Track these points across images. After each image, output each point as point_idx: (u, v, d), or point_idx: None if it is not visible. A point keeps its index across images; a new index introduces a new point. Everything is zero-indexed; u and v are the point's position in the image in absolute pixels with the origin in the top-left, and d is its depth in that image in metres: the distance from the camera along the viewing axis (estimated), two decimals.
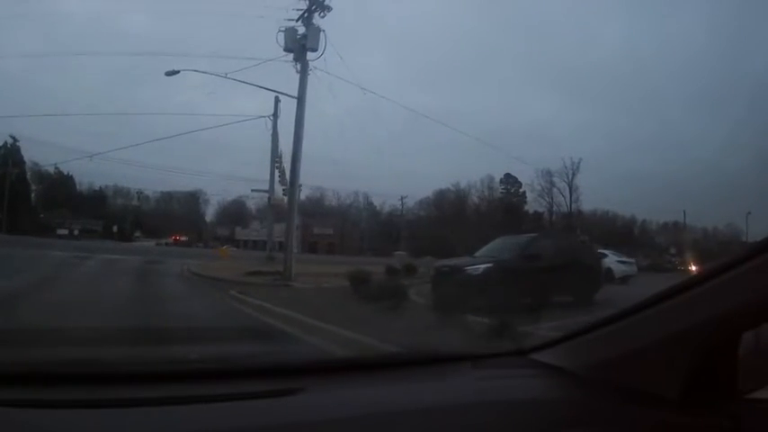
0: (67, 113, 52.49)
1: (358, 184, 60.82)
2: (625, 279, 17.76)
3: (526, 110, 67.22)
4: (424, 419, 1.34)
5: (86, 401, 1.28)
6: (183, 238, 56.04)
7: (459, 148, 64.45)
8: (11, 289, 9.25)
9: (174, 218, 61.44)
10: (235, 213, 62.07)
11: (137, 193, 61.05)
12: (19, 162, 48.87)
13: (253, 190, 33.89)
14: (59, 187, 54.26)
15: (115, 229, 55.20)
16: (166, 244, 50.95)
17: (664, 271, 25.94)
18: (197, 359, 1.99)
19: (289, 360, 2.03)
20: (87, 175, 54.07)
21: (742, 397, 1.31)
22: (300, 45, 17.48)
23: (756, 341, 1.30)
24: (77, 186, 57.74)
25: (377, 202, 59.79)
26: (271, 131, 24.97)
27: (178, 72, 20.86)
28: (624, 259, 20.34)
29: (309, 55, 17.58)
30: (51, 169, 50.51)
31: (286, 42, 17.52)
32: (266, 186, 27.88)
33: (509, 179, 55.76)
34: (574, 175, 50.20)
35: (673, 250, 42.62)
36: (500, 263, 10.95)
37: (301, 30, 17.66)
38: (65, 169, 51.28)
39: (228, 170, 67.21)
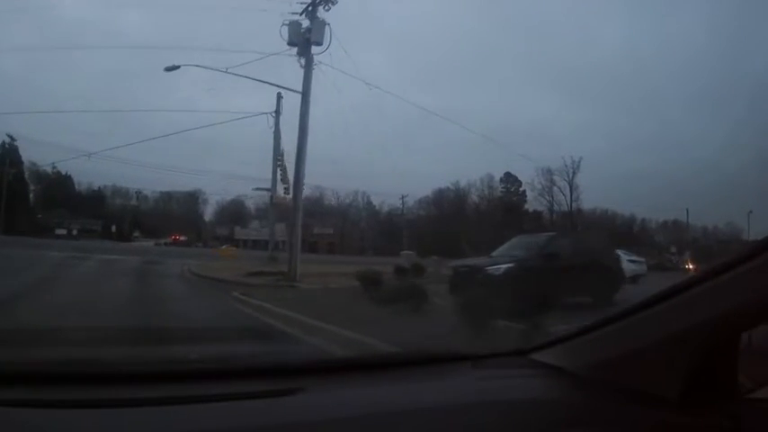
0: (65, 110, 52.35)
1: (357, 183, 60.91)
2: (636, 278, 17.60)
3: (526, 109, 67.43)
4: (424, 419, 1.34)
5: (86, 401, 1.28)
6: (183, 238, 56.05)
7: (460, 146, 64.71)
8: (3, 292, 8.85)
9: (172, 218, 61.46)
10: (234, 213, 62.08)
11: (135, 192, 61.11)
12: (17, 162, 48.79)
13: (255, 188, 33.63)
14: (58, 187, 54.24)
15: (114, 229, 55.20)
16: (165, 244, 50.89)
17: (666, 270, 25.94)
18: (197, 359, 1.99)
19: (289, 360, 2.02)
20: (86, 174, 54.14)
21: (742, 397, 1.31)
22: (305, 39, 17.19)
23: (756, 341, 1.31)
24: (76, 186, 57.78)
25: (375, 201, 59.95)
26: (273, 128, 24.73)
27: (178, 67, 20.49)
28: (634, 258, 20.25)
29: (314, 49, 17.26)
30: (49, 169, 50.50)
31: (290, 36, 17.25)
32: (267, 185, 27.71)
33: (509, 178, 55.85)
34: (574, 173, 50.35)
35: (673, 249, 42.70)
36: (521, 262, 10.67)
37: (306, 24, 17.35)
38: (63, 169, 51.37)
39: (228, 169, 67.20)
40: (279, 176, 25.48)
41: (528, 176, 53.02)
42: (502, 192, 57.28)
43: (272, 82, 20.84)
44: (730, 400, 1.28)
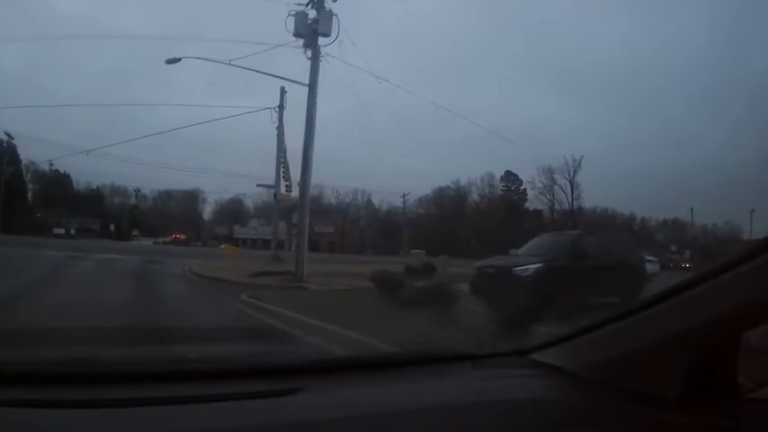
0: (62, 104, 52.01)
1: (357, 182, 60.88)
2: (648, 278, 17.61)
3: (526, 109, 67.34)
4: (424, 419, 1.34)
5: (86, 401, 1.28)
6: (183, 237, 56.05)
7: (461, 144, 64.51)
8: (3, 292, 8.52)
9: (171, 216, 61.39)
10: (233, 212, 62.04)
11: (134, 191, 60.96)
12: (15, 160, 48.66)
13: (258, 185, 33.08)
14: (56, 186, 54.11)
15: (112, 228, 55.15)
16: (164, 243, 50.83)
17: (668, 269, 25.92)
18: (197, 359, 1.99)
19: (289, 360, 2.03)
20: (84, 173, 53.98)
21: (742, 397, 1.31)
22: (312, 30, 16.64)
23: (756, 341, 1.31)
24: (74, 185, 57.64)
25: (375, 199, 59.97)
26: (276, 124, 24.11)
27: (179, 60, 19.94)
28: (649, 258, 20.27)
29: (321, 41, 16.65)
30: (47, 167, 50.33)
31: (296, 27, 16.67)
32: (267, 183, 27.34)
33: (510, 176, 55.80)
34: (575, 172, 50.34)
35: (673, 248, 42.67)
36: (549, 262, 10.23)
37: (312, 14, 16.74)
38: (61, 168, 51.20)
39: (227, 168, 67.03)
40: (281, 173, 24.90)
41: (529, 175, 53.11)
42: (503, 190, 57.28)
43: (276, 74, 20.14)
44: (730, 400, 1.28)
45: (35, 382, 1.35)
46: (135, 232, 57.55)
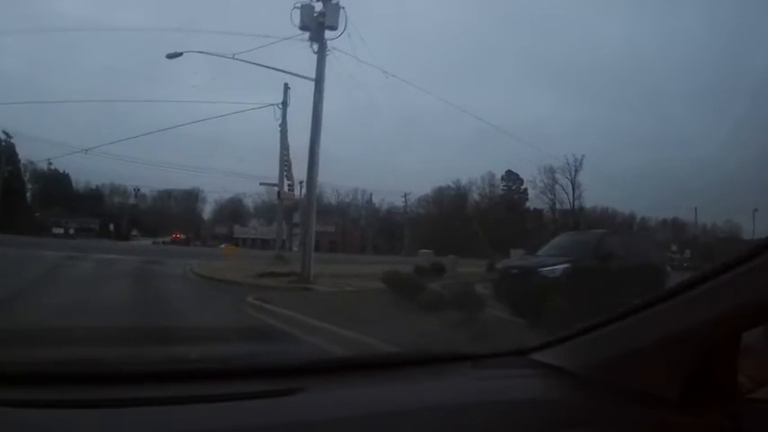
0: (61, 101, 51.72)
1: (357, 181, 60.80)
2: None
3: (525, 107, 67.23)
4: (424, 419, 1.34)
5: (86, 401, 1.28)
6: (182, 237, 56.03)
7: (461, 144, 64.48)
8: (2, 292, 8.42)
9: (171, 216, 61.37)
10: (233, 211, 62.02)
11: (134, 190, 60.90)
12: (13, 159, 48.59)
13: (261, 183, 32.66)
14: (55, 185, 54.04)
15: (112, 227, 55.13)
16: (164, 242, 50.77)
17: (672, 268, 25.83)
18: (197, 359, 1.99)
19: (289, 360, 2.03)
20: (83, 173, 53.88)
21: (742, 397, 1.31)
22: (318, 23, 16.27)
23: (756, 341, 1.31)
24: (74, 185, 57.57)
25: (375, 199, 59.95)
26: (279, 121, 23.83)
27: (180, 54, 19.62)
28: None
29: (328, 34, 16.36)
30: (45, 166, 50.22)
31: (302, 20, 16.29)
32: (268, 182, 27.27)
33: (510, 176, 55.73)
34: (577, 171, 50.30)
35: (674, 247, 42.58)
36: (576, 263, 9.97)
37: (318, 7, 16.38)
38: (60, 167, 51.14)
39: (227, 167, 66.85)
40: (284, 172, 24.58)
41: (529, 174, 53.04)
42: (503, 190, 57.24)
43: (281, 69, 19.94)
44: (730, 400, 1.29)
45: (35, 382, 1.34)
46: (134, 232, 57.53)
